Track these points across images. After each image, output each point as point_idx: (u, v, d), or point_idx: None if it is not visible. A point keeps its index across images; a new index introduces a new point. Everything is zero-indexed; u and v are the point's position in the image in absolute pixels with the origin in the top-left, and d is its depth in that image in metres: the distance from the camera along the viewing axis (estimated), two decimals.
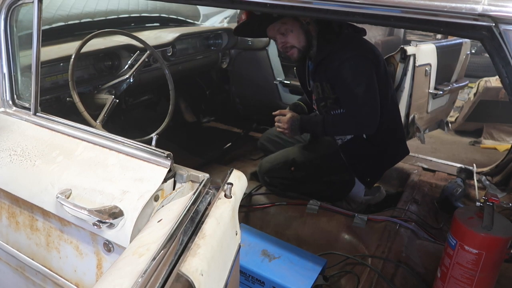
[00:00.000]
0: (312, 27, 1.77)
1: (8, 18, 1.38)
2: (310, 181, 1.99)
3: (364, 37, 1.84)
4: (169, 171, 1.02)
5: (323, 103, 1.81)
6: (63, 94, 1.80)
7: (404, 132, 2.06)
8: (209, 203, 0.90)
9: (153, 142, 1.15)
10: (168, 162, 1.02)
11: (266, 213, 1.97)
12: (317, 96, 1.85)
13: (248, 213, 2.00)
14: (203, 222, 0.82)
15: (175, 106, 2.15)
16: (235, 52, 2.92)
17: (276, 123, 1.91)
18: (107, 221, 0.96)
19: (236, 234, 0.92)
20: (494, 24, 0.83)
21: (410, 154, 2.52)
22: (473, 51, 5.30)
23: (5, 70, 1.41)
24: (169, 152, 1.03)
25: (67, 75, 1.67)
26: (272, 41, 2.87)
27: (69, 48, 1.81)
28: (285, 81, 2.83)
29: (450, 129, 3.84)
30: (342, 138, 1.86)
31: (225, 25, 4.57)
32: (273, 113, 1.96)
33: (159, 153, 1.05)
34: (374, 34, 7.09)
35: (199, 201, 0.90)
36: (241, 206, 1.40)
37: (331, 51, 1.70)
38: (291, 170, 1.95)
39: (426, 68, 2.29)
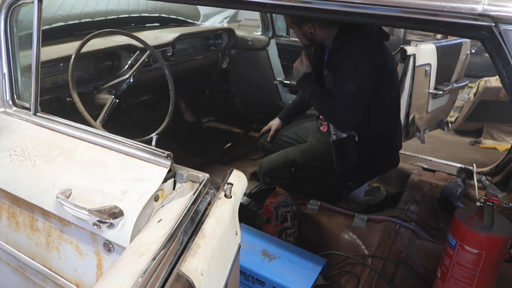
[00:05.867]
0: (320, 34, 1.76)
1: (8, 18, 1.38)
2: (310, 182, 1.99)
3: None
4: (169, 171, 1.02)
5: (332, 93, 1.81)
6: (63, 94, 1.80)
7: (398, 143, 2.02)
8: (209, 203, 0.90)
9: (153, 142, 1.15)
10: (168, 162, 1.02)
11: None
12: (327, 85, 1.85)
13: None
14: (203, 222, 0.82)
15: (175, 106, 2.15)
16: (235, 52, 2.92)
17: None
18: (107, 221, 0.96)
19: (236, 234, 0.92)
20: (494, 24, 0.83)
21: (410, 154, 2.53)
22: (473, 51, 5.29)
23: (5, 70, 1.41)
24: (169, 152, 1.03)
25: (67, 75, 1.67)
26: (272, 41, 2.88)
27: (69, 48, 1.81)
28: (285, 81, 2.83)
29: (450, 129, 3.84)
30: (337, 134, 1.83)
31: (225, 25, 4.58)
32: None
33: (159, 153, 1.05)
34: None
35: (199, 201, 0.90)
36: None
37: (343, 44, 1.70)
38: (291, 171, 1.95)
39: (426, 68, 2.29)
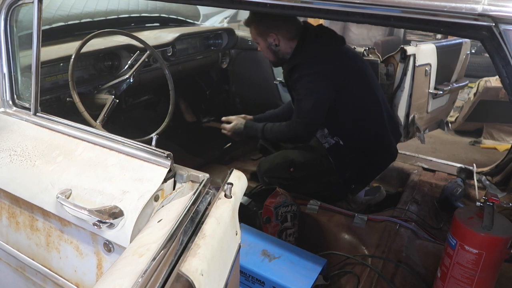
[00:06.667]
0: (285, 47, 1.82)
1: (8, 18, 1.38)
2: (310, 182, 1.99)
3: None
4: (169, 171, 1.02)
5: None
6: (63, 94, 1.80)
7: (392, 135, 2.00)
8: (209, 203, 0.90)
9: (153, 142, 1.15)
10: (168, 162, 1.02)
11: None
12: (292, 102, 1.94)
13: None
14: (203, 222, 0.82)
15: (175, 106, 2.15)
16: (235, 52, 2.91)
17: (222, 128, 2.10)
18: (107, 221, 0.96)
19: (236, 234, 0.92)
20: (494, 24, 0.83)
21: (410, 154, 2.53)
22: (473, 51, 5.30)
23: (5, 70, 1.41)
24: (169, 152, 1.03)
25: (67, 75, 1.67)
26: None
27: (69, 48, 1.81)
28: None
29: (450, 129, 3.84)
30: (328, 141, 1.88)
31: (225, 25, 4.58)
32: (222, 118, 2.13)
33: (159, 153, 1.05)
34: (374, 34, 7.10)
35: (199, 201, 0.90)
36: None
37: (296, 64, 1.79)
38: (290, 171, 1.95)
39: (426, 68, 2.29)
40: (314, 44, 1.78)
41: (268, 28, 1.79)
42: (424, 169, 2.40)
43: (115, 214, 0.97)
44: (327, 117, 1.80)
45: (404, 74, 2.18)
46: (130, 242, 0.90)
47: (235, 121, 2.04)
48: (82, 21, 2.32)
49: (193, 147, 2.76)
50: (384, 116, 1.93)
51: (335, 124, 1.85)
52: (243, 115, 2.10)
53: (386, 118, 1.94)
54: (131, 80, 1.99)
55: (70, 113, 1.70)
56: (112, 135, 1.16)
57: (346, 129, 1.85)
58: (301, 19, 1.91)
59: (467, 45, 2.56)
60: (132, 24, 2.67)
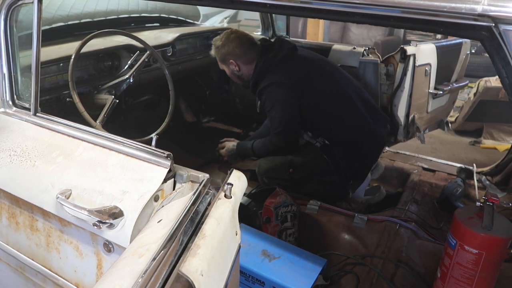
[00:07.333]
0: (246, 70, 1.93)
1: (8, 18, 1.38)
2: (309, 182, 1.99)
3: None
4: (169, 171, 1.02)
5: None
6: (63, 94, 1.80)
7: (375, 126, 1.98)
8: (209, 204, 0.90)
9: (153, 142, 1.15)
10: (168, 162, 1.02)
11: None
12: None
13: None
14: (203, 222, 0.82)
15: (175, 106, 2.15)
16: None
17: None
18: (107, 221, 0.96)
19: (236, 234, 0.92)
20: (494, 24, 0.83)
21: (410, 154, 2.53)
22: (473, 51, 5.29)
23: (5, 70, 1.41)
24: (169, 152, 1.03)
25: (67, 75, 1.67)
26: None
27: (69, 48, 1.81)
28: None
29: (450, 129, 3.84)
30: (320, 141, 1.90)
31: (225, 25, 4.57)
32: (220, 140, 2.24)
33: (159, 153, 1.05)
34: (374, 34, 7.10)
35: (199, 201, 0.90)
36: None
37: (254, 82, 1.90)
38: (289, 172, 1.96)
39: (426, 68, 2.29)
40: (265, 59, 1.86)
41: (226, 56, 1.92)
42: (424, 169, 2.40)
43: (115, 214, 0.97)
44: (303, 122, 1.86)
45: (404, 74, 2.18)
46: (130, 242, 0.90)
47: (227, 144, 2.15)
48: (82, 21, 2.32)
49: (193, 147, 2.76)
50: (359, 107, 1.93)
51: (313, 127, 1.91)
52: (232, 138, 2.22)
53: (363, 109, 1.94)
54: (131, 80, 1.99)
55: (70, 113, 1.70)
56: (112, 135, 1.16)
57: (324, 129, 1.91)
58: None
59: (467, 45, 2.56)
60: (132, 24, 2.67)
